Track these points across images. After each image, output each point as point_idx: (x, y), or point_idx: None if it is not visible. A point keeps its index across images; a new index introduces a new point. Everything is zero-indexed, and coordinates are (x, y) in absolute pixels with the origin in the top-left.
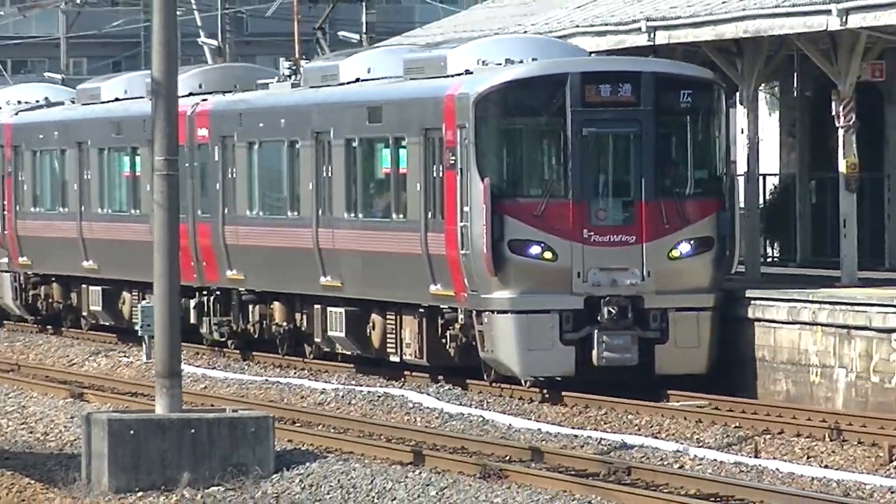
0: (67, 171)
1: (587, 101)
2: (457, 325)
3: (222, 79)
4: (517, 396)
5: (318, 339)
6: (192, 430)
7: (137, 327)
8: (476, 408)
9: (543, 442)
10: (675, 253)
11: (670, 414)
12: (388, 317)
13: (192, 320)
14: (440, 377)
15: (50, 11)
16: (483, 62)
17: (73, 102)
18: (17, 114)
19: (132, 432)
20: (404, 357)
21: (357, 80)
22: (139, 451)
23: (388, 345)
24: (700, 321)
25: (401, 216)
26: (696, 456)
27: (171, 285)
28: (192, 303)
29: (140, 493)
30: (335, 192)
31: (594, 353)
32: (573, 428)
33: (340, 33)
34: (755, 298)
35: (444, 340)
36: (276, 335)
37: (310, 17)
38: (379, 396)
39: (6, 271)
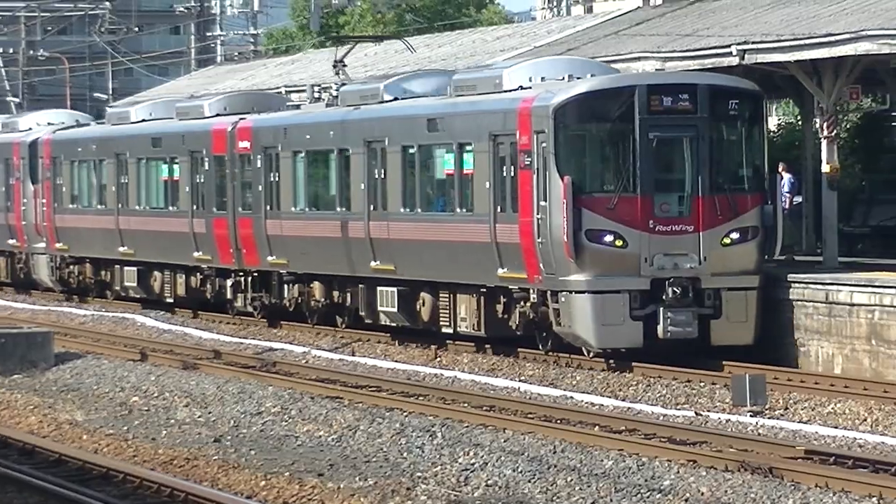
0: (105, 177)
1: (652, 110)
2: (527, 304)
3: (245, 103)
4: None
5: (363, 313)
6: (3, 340)
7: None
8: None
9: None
10: (727, 240)
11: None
12: (441, 296)
13: (229, 295)
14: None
15: None
16: (542, 78)
17: (100, 123)
18: (54, 133)
19: None
20: (459, 329)
21: (396, 98)
22: None
23: (442, 319)
24: (748, 299)
25: (465, 210)
26: None
27: None
28: (230, 282)
29: None
30: (390, 191)
31: (660, 327)
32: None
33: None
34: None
35: (503, 316)
36: (313, 309)
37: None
38: (118, 319)
39: (42, 253)
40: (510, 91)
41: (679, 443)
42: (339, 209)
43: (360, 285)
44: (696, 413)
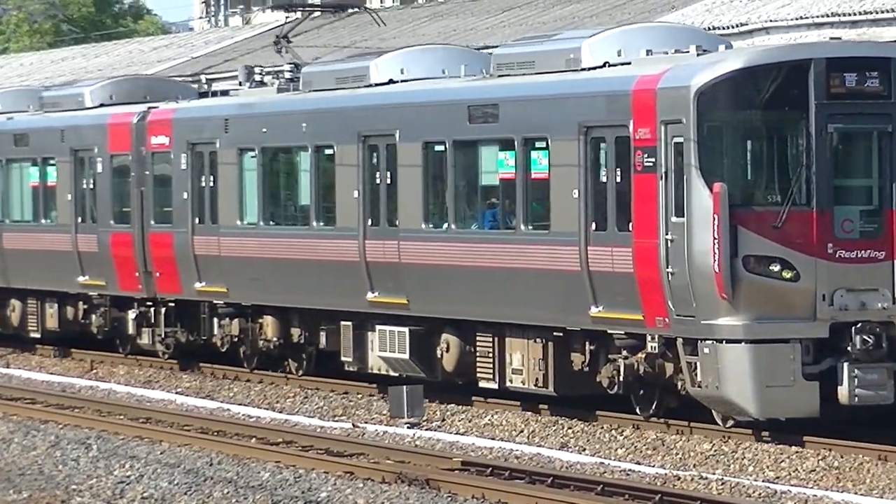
0: None
1: (832, 93)
2: (637, 355)
3: (135, 89)
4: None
5: (346, 358)
6: None
7: None
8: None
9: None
10: None
11: None
12: (481, 340)
13: (131, 330)
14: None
15: None
16: (647, 52)
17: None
18: None
19: None
20: (509, 384)
21: (391, 81)
22: None
23: (481, 370)
24: None
25: (532, 227)
26: None
27: None
28: (132, 314)
29: None
30: (404, 201)
31: (842, 389)
32: None
33: None
34: None
35: (586, 369)
36: (259, 350)
37: None
38: None
39: None
40: (596, 68)
41: (336, 455)
42: (315, 223)
43: (346, 322)
44: (353, 425)
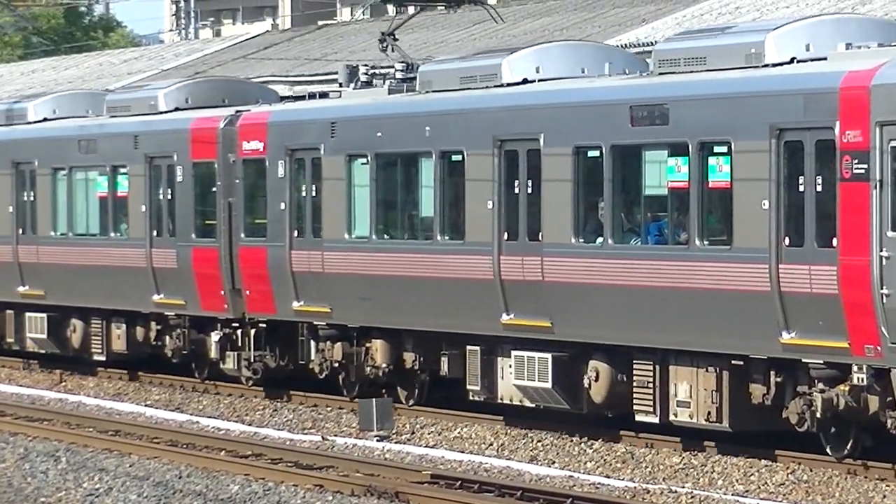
0: None
1: None
2: (840, 388)
3: (212, 92)
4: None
5: (473, 387)
6: None
7: None
8: None
9: None
10: None
11: None
12: (637, 367)
13: (213, 353)
14: None
15: None
16: (846, 46)
17: None
18: None
19: None
20: (673, 417)
21: (524, 80)
22: None
23: (639, 402)
24: None
25: (706, 242)
26: None
27: None
28: (215, 336)
29: None
30: (548, 211)
31: None
32: None
33: None
34: None
35: (769, 403)
36: (366, 377)
37: None
38: None
39: None
40: (783, 64)
41: (305, 467)
42: (439, 237)
43: (473, 347)
44: (322, 438)
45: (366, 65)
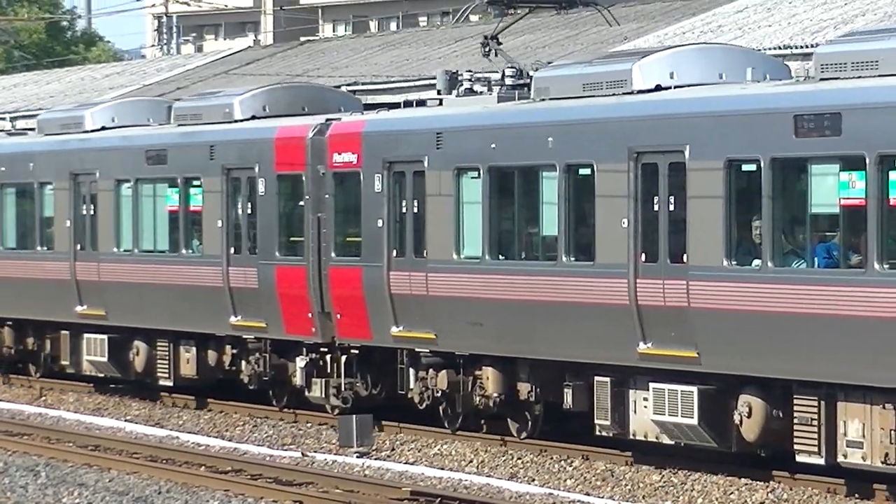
0: (48, 207)
1: None
2: None
3: (292, 99)
4: None
5: (602, 421)
6: None
7: None
8: None
9: None
10: None
11: None
12: (799, 403)
13: (299, 380)
14: None
15: None
16: None
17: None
18: None
19: None
20: (842, 459)
21: (658, 87)
22: None
23: (802, 441)
24: None
25: (886, 266)
26: None
27: None
28: (301, 361)
29: None
30: (694, 231)
31: None
32: None
33: None
34: None
35: None
36: (476, 409)
37: None
38: None
39: None
40: None
41: (285, 483)
42: (563, 258)
43: (602, 378)
44: (302, 454)
45: (469, 70)
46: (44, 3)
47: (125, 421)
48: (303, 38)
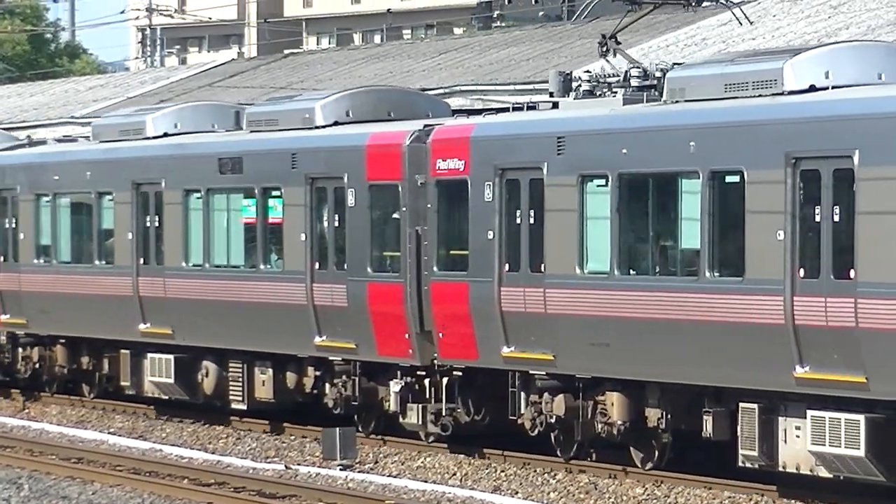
0: (109, 219)
1: None
2: None
3: (377, 104)
4: None
5: (748, 452)
6: None
7: None
8: None
9: None
10: None
11: None
12: None
13: (393, 406)
14: None
15: None
16: None
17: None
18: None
19: None
20: None
21: (812, 87)
22: None
23: None
24: None
25: None
26: None
27: None
28: (396, 385)
29: None
30: (865, 243)
31: None
32: None
33: None
34: None
35: None
36: (597, 433)
37: None
38: None
39: None
40: None
41: (269, 496)
42: (707, 273)
43: (748, 404)
44: (286, 466)
45: (588, 71)
46: (27, 16)
47: (108, 433)
48: (287, 51)
